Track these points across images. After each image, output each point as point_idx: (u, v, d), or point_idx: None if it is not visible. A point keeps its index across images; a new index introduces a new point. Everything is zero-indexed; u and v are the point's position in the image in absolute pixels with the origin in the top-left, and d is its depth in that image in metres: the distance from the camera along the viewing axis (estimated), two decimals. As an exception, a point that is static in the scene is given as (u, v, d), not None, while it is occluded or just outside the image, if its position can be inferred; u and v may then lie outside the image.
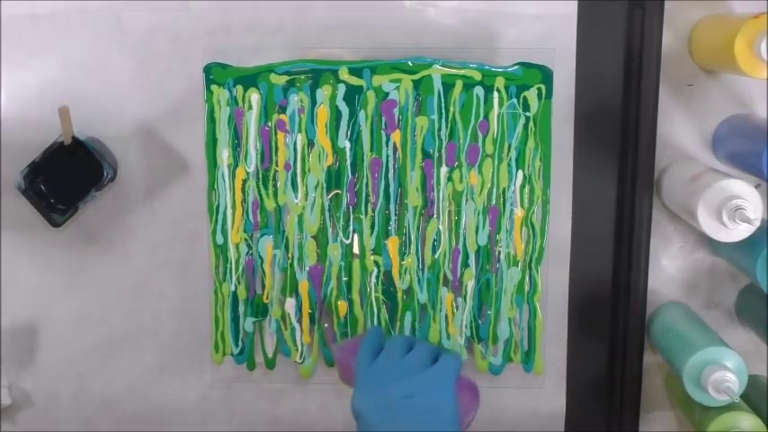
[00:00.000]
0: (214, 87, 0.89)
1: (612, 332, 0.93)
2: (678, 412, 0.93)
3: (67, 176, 0.88)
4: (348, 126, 0.89)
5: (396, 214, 0.91)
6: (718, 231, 0.81)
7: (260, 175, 0.90)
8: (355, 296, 0.92)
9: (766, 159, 0.79)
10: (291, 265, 0.92)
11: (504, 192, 0.90)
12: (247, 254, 0.92)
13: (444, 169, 0.90)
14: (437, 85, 0.88)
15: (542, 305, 0.92)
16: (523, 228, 0.91)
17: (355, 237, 0.91)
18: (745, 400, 0.84)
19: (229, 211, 0.91)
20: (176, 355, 0.95)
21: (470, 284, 0.91)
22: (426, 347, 0.77)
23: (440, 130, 0.89)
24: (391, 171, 0.90)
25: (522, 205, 0.90)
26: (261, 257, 0.92)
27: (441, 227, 0.91)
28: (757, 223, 0.79)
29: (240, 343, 0.93)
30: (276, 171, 0.90)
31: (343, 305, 0.92)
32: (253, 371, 0.94)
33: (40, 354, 0.95)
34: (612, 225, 0.92)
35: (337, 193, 0.90)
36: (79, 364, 0.95)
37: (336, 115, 0.89)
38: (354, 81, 0.89)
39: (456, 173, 0.90)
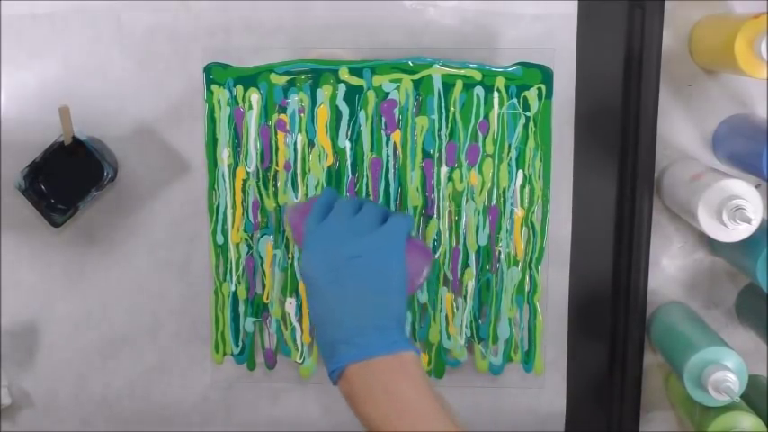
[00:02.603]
0: (214, 87, 0.89)
1: (612, 332, 0.93)
2: (678, 412, 0.93)
3: (67, 176, 0.88)
4: (348, 126, 0.89)
5: (396, 214, 0.91)
6: (718, 231, 0.81)
7: (260, 175, 0.90)
8: (355, 296, 0.92)
9: (766, 159, 0.79)
10: (291, 265, 0.92)
11: (504, 192, 0.90)
12: (247, 254, 0.92)
13: (444, 169, 0.90)
14: (437, 85, 0.88)
15: (542, 305, 0.92)
16: (523, 228, 0.91)
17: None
18: (745, 400, 0.84)
19: (229, 211, 0.91)
20: (176, 355, 0.95)
21: (470, 284, 0.91)
22: (375, 208, 0.76)
23: (440, 130, 0.89)
24: (391, 171, 0.90)
25: (522, 205, 0.90)
26: (261, 257, 0.92)
27: (441, 227, 0.91)
28: (757, 223, 0.79)
29: (240, 343, 0.93)
30: (276, 171, 0.90)
31: (343, 305, 0.92)
32: (253, 371, 0.94)
33: (40, 354, 0.95)
34: (612, 225, 0.92)
35: (337, 193, 0.90)
36: (79, 364, 0.95)
37: (336, 115, 0.89)
38: (354, 81, 0.89)
39: (456, 173, 0.90)
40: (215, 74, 0.89)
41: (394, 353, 0.70)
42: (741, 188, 0.80)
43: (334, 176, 0.90)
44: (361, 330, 0.70)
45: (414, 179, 0.90)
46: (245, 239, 0.92)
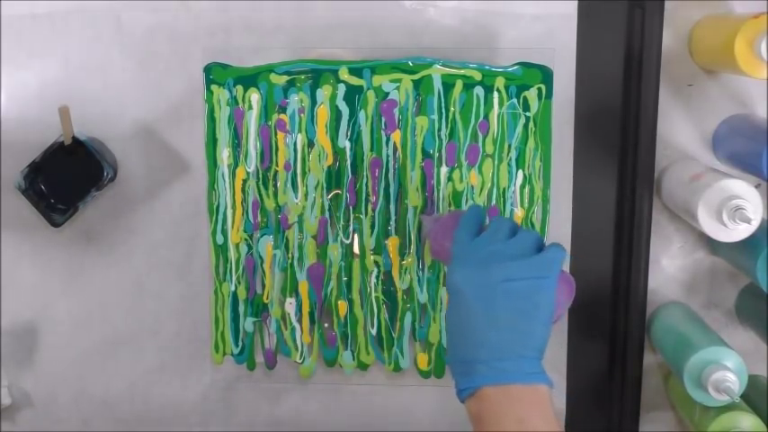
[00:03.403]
0: (214, 87, 0.89)
1: (612, 332, 0.93)
2: (678, 412, 0.93)
3: (67, 176, 0.88)
4: (348, 126, 0.89)
5: (396, 214, 0.91)
6: (718, 231, 0.81)
7: (260, 175, 0.90)
8: (355, 296, 0.92)
9: (766, 159, 0.79)
10: (291, 265, 0.92)
11: (504, 192, 0.90)
12: (247, 254, 0.92)
13: (444, 169, 0.90)
14: (437, 85, 0.88)
15: (542, 305, 0.92)
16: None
17: (355, 237, 0.91)
18: (745, 400, 0.84)
19: (229, 211, 0.91)
20: (176, 355, 0.95)
21: (470, 284, 0.91)
22: (532, 234, 0.74)
23: (440, 130, 0.89)
24: (391, 171, 0.90)
25: (522, 205, 0.90)
26: (261, 257, 0.92)
27: (441, 227, 0.91)
28: (757, 223, 0.79)
29: (240, 343, 0.93)
30: (276, 171, 0.90)
31: (343, 305, 0.92)
32: (253, 371, 0.94)
33: (40, 354, 0.95)
34: (612, 225, 0.92)
35: (337, 193, 0.90)
36: (79, 365, 0.95)
37: (336, 115, 0.89)
38: (354, 81, 0.89)
39: (456, 173, 0.90)
40: (215, 74, 0.89)
41: (531, 384, 0.69)
42: (741, 188, 0.80)
43: (334, 176, 0.90)
44: (502, 355, 0.69)
45: (414, 179, 0.90)
46: (245, 239, 0.92)
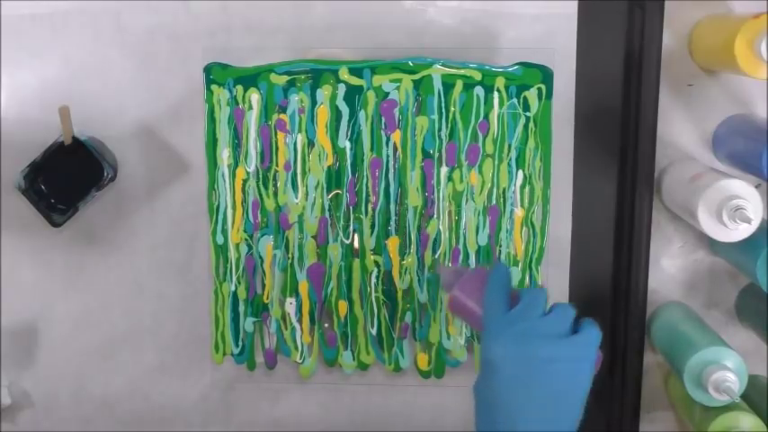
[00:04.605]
0: (214, 87, 0.89)
1: (612, 332, 0.93)
2: (678, 412, 0.93)
3: (67, 176, 0.88)
4: (348, 126, 0.89)
5: (396, 214, 0.91)
6: (718, 231, 0.81)
7: (260, 175, 0.90)
8: (355, 296, 0.92)
9: (766, 159, 0.79)
10: (291, 265, 0.92)
11: (504, 192, 0.90)
12: (247, 254, 0.92)
13: (444, 169, 0.90)
14: (437, 85, 0.88)
15: (542, 305, 0.92)
16: (523, 228, 0.91)
17: (355, 236, 0.91)
18: (745, 400, 0.84)
19: (229, 211, 0.91)
20: (176, 355, 0.95)
21: (470, 284, 0.91)
22: (568, 312, 0.73)
23: (440, 130, 0.89)
24: (391, 171, 0.90)
25: (522, 205, 0.90)
26: (261, 257, 0.92)
27: (441, 227, 0.91)
28: (757, 223, 0.79)
29: (240, 343, 0.93)
30: (276, 171, 0.90)
31: (343, 305, 0.92)
32: (253, 371, 0.94)
33: (40, 354, 0.95)
34: (612, 225, 0.92)
35: (337, 193, 0.90)
36: (79, 364, 0.95)
37: (336, 115, 0.89)
38: (354, 81, 0.89)
39: (456, 173, 0.90)
40: (215, 74, 0.89)
41: None
42: (741, 188, 0.80)
43: (334, 176, 0.90)
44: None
45: (414, 179, 0.90)
46: (245, 239, 0.92)
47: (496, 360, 0.70)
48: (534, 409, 0.69)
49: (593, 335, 0.71)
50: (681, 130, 0.90)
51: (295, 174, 0.90)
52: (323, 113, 0.89)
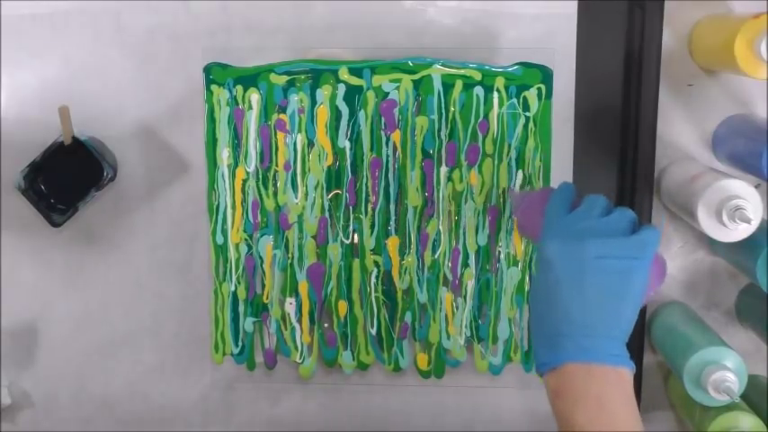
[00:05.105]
0: (214, 87, 0.89)
1: (612, 332, 0.93)
2: (678, 412, 0.93)
3: (67, 176, 0.88)
4: (348, 126, 0.89)
5: (396, 214, 0.91)
6: (718, 231, 0.81)
7: (260, 175, 0.90)
8: (355, 296, 0.92)
9: (766, 159, 0.79)
10: (291, 265, 0.92)
11: (504, 192, 0.90)
12: (247, 254, 0.92)
13: (444, 169, 0.90)
14: (437, 85, 0.88)
15: (542, 305, 0.92)
16: (523, 228, 0.91)
17: (355, 236, 0.91)
18: (745, 400, 0.84)
19: (229, 211, 0.91)
20: (176, 355, 0.95)
21: (470, 284, 0.91)
22: (628, 215, 0.72)
23: (440, 130, 0.89)
24: (391, 171, 0.90)
25: (522, 205, 0.90)
26: (261, 257, 0.92)
27: (441, 227, 0.91)
28: (757, 223, 0.79)
29: (240, 343, 0.93)
30: (276, 171, 0.90)
31: (343, 305, 0.92)
32: (253, 371, 0.94)
33: (40, 354, 0.95)
34: (612, 225, 0.92)
35: (337, 193, 0.90)
36: (79, 364, 0.95)
37: (336, 115, 0.89)
38: (354, 81, 0.89)
39: (456, 173, 0.90)
40: (215, 74, 0.89)
41: (614, 365, 0.68)
42: (741, 188, 0.80)
43: (334, 176, 0.90)
44: (590, 333, 0.68)
45: (414, 179, 0.90)
46: (245, 239, 0.92)
47: (551, 257, 0.70)
48: (588, 307, 0.68)
49: (649, 236, 0.70)
50: (681, 129, 0.90)
51: (295, 174, 0.90)
52: (323, 113, 0.89)
